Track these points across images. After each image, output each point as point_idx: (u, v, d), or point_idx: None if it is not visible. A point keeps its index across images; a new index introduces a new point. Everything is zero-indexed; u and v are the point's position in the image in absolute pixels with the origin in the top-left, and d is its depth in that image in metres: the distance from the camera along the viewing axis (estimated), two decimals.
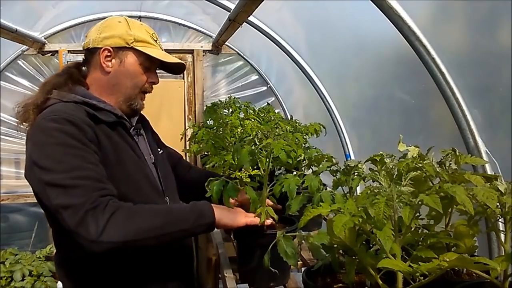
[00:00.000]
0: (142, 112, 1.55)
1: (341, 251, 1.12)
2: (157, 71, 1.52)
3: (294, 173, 1.63)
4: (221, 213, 1.35)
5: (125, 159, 1.38)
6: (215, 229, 2.01)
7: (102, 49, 1.41)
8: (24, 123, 1.38)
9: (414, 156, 1.18)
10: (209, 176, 1.49)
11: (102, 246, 1.16)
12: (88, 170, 1.22)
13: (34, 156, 1.25)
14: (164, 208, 1.33)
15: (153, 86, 1.51)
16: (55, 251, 1.45)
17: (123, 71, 1.43)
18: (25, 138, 1.33)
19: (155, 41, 1.49)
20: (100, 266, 1.33)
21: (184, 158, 4.18)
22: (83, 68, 1.48)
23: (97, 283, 1.36)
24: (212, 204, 1.37)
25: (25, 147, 1.31)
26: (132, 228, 1.20)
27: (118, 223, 1.18)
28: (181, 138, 3.28)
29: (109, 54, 1.42)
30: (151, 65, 1.47)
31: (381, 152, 1.21)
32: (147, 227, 1.22)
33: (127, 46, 1.42)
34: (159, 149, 1.62)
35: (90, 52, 1.45)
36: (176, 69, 1.57)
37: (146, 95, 1.52)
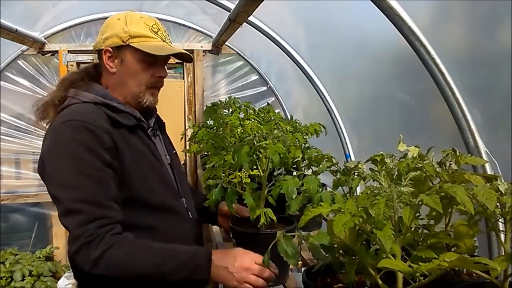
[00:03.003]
0: None
1: (341, 251, 1.12)
2: None
3: (294, 173, 1.64)
4: (217, 271, 1.25)
5: (144, 163, 1.38)
6: (215, 228, 2.04)
7: (104, 50, 1.41)
8: (43, 121, 1.39)
9: (414, 156, 1.18)
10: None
11: (93, 276, 1.21)
12: (92, 192, 1.23)
13: (46, 160, 1.29)
14: (160, 252, 1.25)
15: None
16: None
17: (124, 70, 1.42)
18: (41, 135, 1.38)
19: (156, 32, 1.44)
20: None
21: (184, 158, 4.20)
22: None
23: (113, 282, 1.32)
24: (214, 256, 1.26)
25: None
26: (121, 269, 1.21)
27: (109, 261, 1.20)
28: (181, 138, 3.27)
29: (110, 55, 1.41)
30: (154, 59, 1.42)
31: (381, 152, 1.21)
32: (136, 271, 1.22)
33: (124, 44, 1.39)
34: (174, 150, 1.63)
35: (98, 54, 1.46)
36: (186, 57, 1.52)
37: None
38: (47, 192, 1.29)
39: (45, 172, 1.29)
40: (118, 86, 1.43)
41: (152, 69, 1.44)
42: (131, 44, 1.39)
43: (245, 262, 1.26)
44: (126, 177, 1.32)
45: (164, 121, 1.66)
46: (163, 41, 1.45)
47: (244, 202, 1.42)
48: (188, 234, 1.48)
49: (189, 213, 1.50)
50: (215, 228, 2.05)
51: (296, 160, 1.55)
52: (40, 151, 1.35)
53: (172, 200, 1.44)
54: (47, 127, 1.39)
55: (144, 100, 1.45)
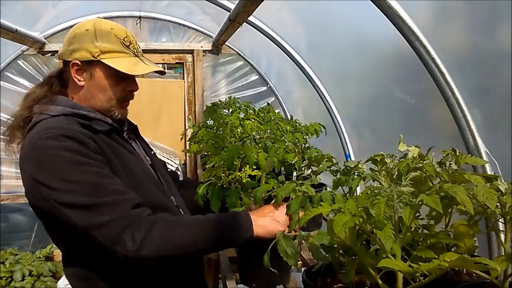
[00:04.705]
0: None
1: (341, 251, 1.12)
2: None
3: (294, 173, 1.64)
4: (261, 224, 1.27)
5: (130, 165, 1.35)
6: None
7: (72, 63, 1.35)
8: (11, 145, 1.33)
9: (414, 156, 1.18)
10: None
11: (141, 261, 1.17)
12: (106, 185, 1.20)
13: (40, 177, 1.18)
14: (201, 221, 1.26)
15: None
16: (61, 253, 1.42)
17: (94, 85, 1.36)
18: (18, 160, 1.27)
19: (128, 46, 1.38)
20: (110, 266, 1.31)
21: (184, 158, 4.19)
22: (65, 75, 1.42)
23: (107, 282, 1.34)
24: (251, 214, 1.30)
25: (20, 169, 1.25)
26: (170, 243, 1.19)
27: (156, 238, 1.17)
28: (181, 138, 3.27)
29: (78, 68, 1.35)
30: (125, 73, 1.36)
31: (381, 152, 1.21)
32: (186, 241, 1.21)
33: (94, 59, 1.33)
34: (151, 150, 1.60)
35: (65, 63, 1.39)
36: (160, 71, 1.48)
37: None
38: (54, 211, 1.18)
39: (40, 187, 1.17)
40: (87, 99, 1.38)
41: (123, 83, 1.39)
42: (102, 60, 1.33)
43: (282, 209, 1.30)
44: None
45: (135, 123, 1.60)
46: (135, 55, 1.40)
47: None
48: None
49: (180, 210, 1.49)
50: None
51: (291, 162, 1.57)
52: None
53: (163, 198, 1.43)
54: (18, 150, 1.33)
55: (116, 114, 1.40)
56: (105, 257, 1.27)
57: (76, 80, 1.36)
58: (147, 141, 1.65)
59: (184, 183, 1.73)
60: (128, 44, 1.38)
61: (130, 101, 1.47)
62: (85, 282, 1.35)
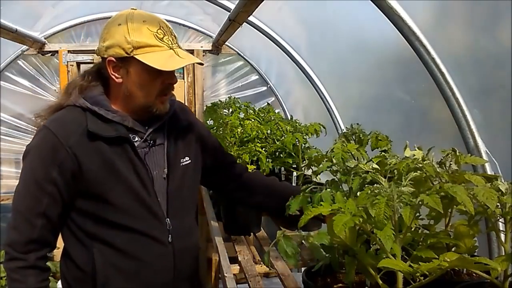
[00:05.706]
0: None
1: (341, 251, 1.12)
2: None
3: (294, 173, 1.64)
4: None
5: (116, 180, 1.32)
6: (215, 229, 2.04)
7: (107, 60, 1.33)
8: (38, 124, 1.39)
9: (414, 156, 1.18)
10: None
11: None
12: (23, 202, 1.34)
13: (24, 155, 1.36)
14: None
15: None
16: (61, 253, 1.45)
17: (131, 81, 1.33)
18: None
19: (161, 39, 1.31)
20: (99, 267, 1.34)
21: None
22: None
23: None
24: None
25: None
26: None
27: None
28: None
29: (114, 65, 1.33)
30: None
31: (382, 153, 1.21)
32: None
33: (128, 55, 1.30)
34: (185, 158, 1.48)
35: (102, 60, 1.37)
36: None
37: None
38: None
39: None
40: (126, 97, 1.36)
41: (161, 77, 1.34)
42: (135, 56, 1.29)
43: None
44: (89, 192, 1.31)
45: (185, 106, 1.60)
46: (170, 47, 1.33)
47: None
48: (165, 259, 1.40)
49: (170, 236, 1.40)
50: (216, 228, 2.05)
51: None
52: None
53: (147, 222, 1.37)
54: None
55: (154, 110, 1.37)
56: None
57: (114, 77, 1.34)
58: None
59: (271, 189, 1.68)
60: (161, 36, 1.32)
61: None
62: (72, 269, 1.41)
